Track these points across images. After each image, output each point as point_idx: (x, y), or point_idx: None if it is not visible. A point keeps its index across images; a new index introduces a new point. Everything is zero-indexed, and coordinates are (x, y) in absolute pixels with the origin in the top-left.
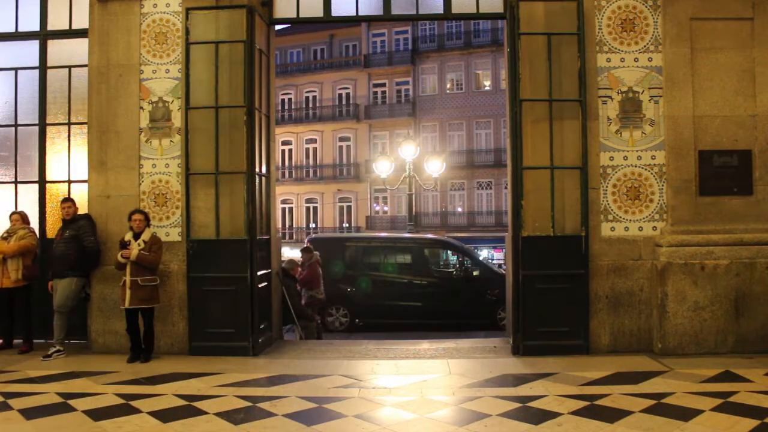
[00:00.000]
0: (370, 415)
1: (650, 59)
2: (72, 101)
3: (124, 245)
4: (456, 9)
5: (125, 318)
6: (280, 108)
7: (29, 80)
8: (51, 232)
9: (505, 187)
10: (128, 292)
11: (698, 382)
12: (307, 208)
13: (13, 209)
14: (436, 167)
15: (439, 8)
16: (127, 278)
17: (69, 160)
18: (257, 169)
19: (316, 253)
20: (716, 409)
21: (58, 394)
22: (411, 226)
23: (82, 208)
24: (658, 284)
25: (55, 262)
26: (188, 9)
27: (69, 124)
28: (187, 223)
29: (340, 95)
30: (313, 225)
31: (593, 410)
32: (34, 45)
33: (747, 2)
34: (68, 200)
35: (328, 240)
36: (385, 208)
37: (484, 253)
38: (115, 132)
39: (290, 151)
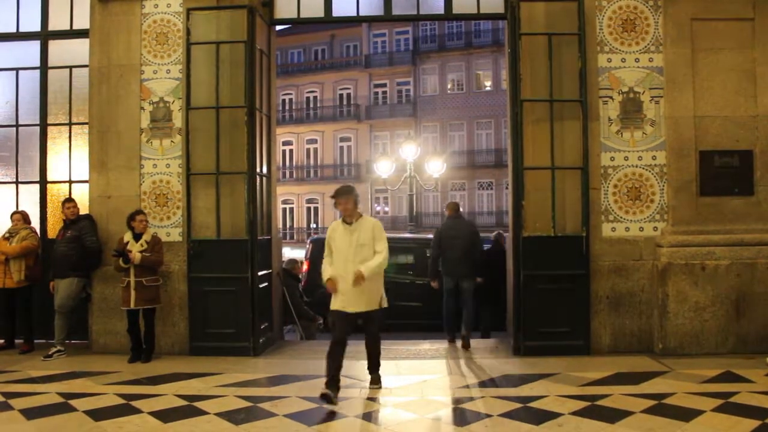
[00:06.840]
0: (370, 416)
1: (651, 59)
2: (73, 101)
3: (119, 254)
4: (457, 9)
5: (126, 318)
6: (280, 108)
7: (30, 80)
8: (52, 232)
9: (506, 188)
10: (133, 293)
11: (699, 383)
12: (308, 209)
13: (14, 209)
14: (436, 167)
15: (439, 8)
16: (131, 279)
17: (70, 160)
18: (258, 170)
19: None
20: (717, 409)
21: (59, 394)
22: (412, 227)
23: (83, 209)
24: (659, 285)
25: (57, 263)
26: (189, 9)
27: (70, 124)
28: (187, 223)
29: (340, 95)
30: (314, 225)
31: (594, 410)
32: (35, 45)
33: (747, 3)
34: (70, 201)
35: None
36: (386, 209)
37: None
38: (115, 132)
39: (291, 151)
